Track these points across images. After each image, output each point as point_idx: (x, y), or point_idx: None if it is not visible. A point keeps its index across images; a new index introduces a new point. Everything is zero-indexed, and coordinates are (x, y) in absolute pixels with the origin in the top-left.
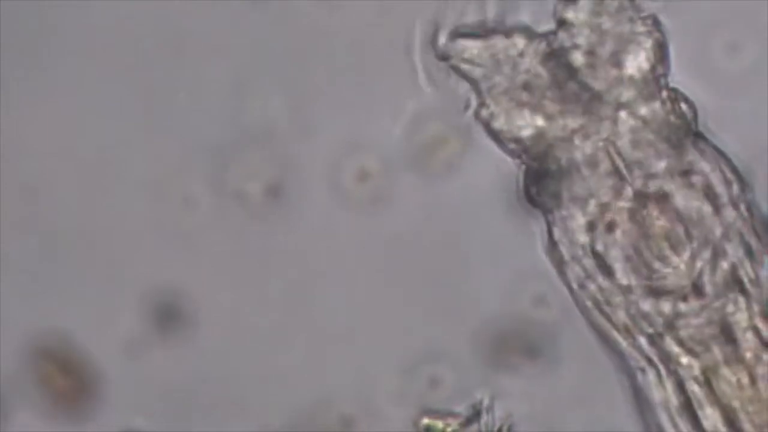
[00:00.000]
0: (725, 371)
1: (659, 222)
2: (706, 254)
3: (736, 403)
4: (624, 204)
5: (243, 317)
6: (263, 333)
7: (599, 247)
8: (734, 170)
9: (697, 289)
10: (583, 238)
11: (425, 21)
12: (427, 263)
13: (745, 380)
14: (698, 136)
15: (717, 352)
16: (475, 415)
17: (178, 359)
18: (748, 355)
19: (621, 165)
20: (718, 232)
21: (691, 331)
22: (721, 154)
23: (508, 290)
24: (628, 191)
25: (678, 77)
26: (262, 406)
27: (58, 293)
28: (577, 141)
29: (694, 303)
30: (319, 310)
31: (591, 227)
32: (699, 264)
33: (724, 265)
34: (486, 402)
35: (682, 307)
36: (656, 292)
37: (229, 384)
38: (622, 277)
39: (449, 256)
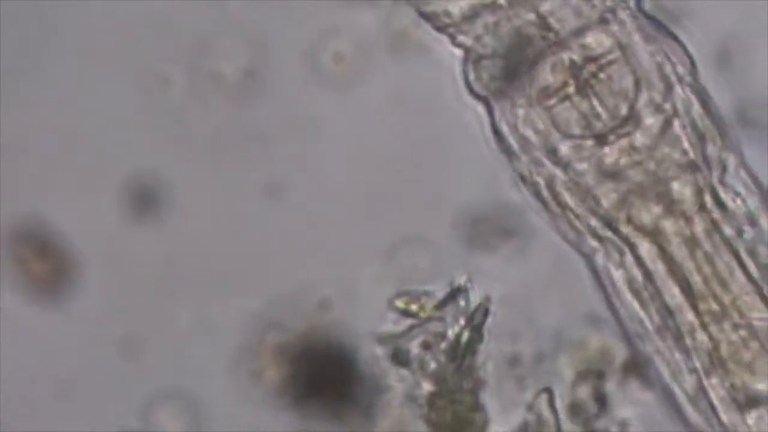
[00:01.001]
0: (671, 230)
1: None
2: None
3: (685, 263)
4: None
5: (221, 200)
6: (241, 216)
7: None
8: (684, 50)
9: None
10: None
11: None
12: (403, 146)
13: (688, 233)
14: (646, 16)
15: (665, 222)
16: (451, 296)
17: (157, 243)
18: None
19: (551, 33)
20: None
21: (637, 200)
22: (669, 33)
23: (485, 171)
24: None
25: None
26: (241, 289)
27: (35, 177)
28: (505, 10)
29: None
30: (296, 193)
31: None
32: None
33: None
34: (462, 284)
35: (623, 161)
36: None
37: (207, 268)
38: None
39: (426, 140)
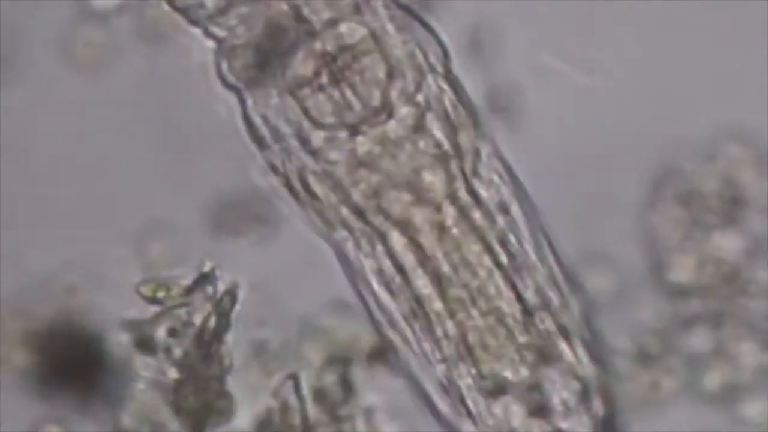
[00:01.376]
0: (421, 220)
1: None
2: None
3: (434, 252)
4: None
5: None
6: None
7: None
8: (437, 39)
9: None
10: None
11: None
12: (152, 132)
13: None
14: (399, 6)
15: (415, 212)
16: (198, 283)
17: None
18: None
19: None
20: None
21: (390, 194)
22: (422, 22)
23: (235, 158)
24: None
25: None
26: None
27: None
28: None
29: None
30: (45, 175)
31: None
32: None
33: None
34: (209, 270)
35: (376, 151)
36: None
37: None
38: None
39: (174, 125)
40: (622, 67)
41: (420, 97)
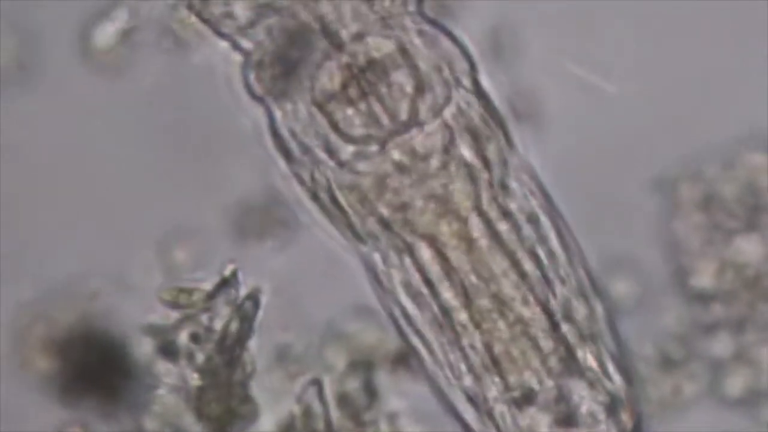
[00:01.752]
0: (448, 232)
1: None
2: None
3: (460, 265)
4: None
5: None
6: (18, 205)
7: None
8: (464, 52)
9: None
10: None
11: None
12: (174, 135)
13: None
14: (426, 19)
15: (443, 224)
16: (220, 288)
17: None
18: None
19: (333, 37)
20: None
21: (417, 204)
22: (449, 35)
23: (258, 163)
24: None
25: None
26: (14, 280)
27: None
28: (285, 12)
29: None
30: (70, 181)
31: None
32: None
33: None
34: (230, 275)
35: (405, 163)
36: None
37: None
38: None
39: (197, 130)
40: (642, 72)
41: (448, 112)
